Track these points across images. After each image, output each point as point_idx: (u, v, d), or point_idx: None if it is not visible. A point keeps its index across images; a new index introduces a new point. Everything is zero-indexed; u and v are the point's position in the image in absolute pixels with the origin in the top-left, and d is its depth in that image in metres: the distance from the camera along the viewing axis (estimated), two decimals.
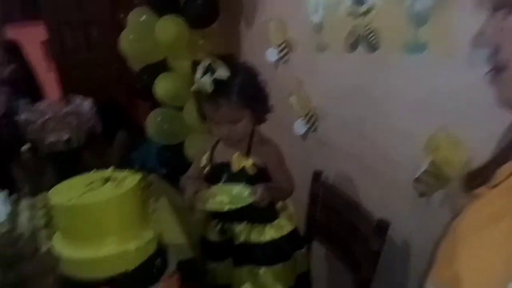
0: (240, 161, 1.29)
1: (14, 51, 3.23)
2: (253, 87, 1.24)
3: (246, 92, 1.20)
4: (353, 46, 1.41)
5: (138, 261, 1.04)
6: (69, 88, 3.11)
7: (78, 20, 3.10)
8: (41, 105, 1.32)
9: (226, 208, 1.21)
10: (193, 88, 1.16)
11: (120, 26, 2.96)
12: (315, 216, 1.63)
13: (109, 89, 2.99)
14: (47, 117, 1.28)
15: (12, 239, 0.53)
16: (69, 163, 1.45)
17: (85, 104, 1.39)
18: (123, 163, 2.51)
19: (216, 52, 1.32)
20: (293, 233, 1.38)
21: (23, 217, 0.61)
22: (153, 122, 2.13)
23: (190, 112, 2.09)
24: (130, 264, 1.03)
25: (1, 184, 1.16)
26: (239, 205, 1.20)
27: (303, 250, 1.44)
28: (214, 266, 1.37)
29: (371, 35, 1.29)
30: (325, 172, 1.65)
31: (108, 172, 1.18)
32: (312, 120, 1.84)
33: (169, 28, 1.94)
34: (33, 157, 1.31)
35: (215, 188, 1.28)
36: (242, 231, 1.33)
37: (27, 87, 3.25)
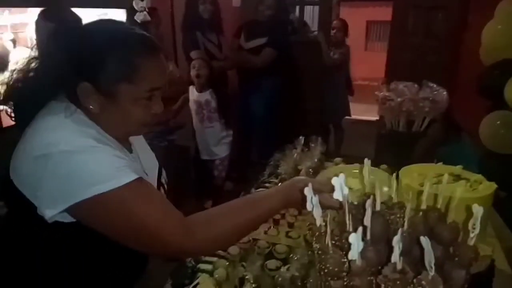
0: None
1: (344, 31, 3.59)
2: None
3: None
4: None
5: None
6: (395, 69, 3.20)
7: (425, 5, 3.06)
8: (399, 86, 1.38)
9: None
10: None
11: (466, 14, 2.75)
12: None
13: (435, 77, 2.88)
14: (405, 97, 1.33)
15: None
16: (402, 145, 1.48)
17: (442, 93, 1.35)
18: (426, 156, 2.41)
19: None
20: None
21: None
22: (488, 124, 1.89)
23: None
24: None
25: None
26: None
27: None
28: None
29: None
30: None
31: (459, 169, 1.12)
32: None
33: None
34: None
35: None
36: None
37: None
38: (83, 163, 0.67)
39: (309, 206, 0.54)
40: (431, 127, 2.69)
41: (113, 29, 0.78)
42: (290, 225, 1.18)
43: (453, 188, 1.00)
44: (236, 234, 0.78)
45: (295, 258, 0.88)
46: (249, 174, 3.09)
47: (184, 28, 2.75)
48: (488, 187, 1.01)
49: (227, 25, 2.98)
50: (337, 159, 1.75)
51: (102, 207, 0.67)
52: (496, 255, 1.18)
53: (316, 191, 0.69)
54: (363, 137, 4.11)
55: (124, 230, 0.70)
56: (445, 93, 1.36)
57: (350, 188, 0.73)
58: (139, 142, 0.94)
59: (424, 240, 0.44)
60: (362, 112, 5.28)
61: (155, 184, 0.90)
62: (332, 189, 0.69)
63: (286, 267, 0.89)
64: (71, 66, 0.73)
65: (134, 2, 2.04)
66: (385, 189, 0.81)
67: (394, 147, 1.48)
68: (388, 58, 3.28)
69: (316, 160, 1.64)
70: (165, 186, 0.97)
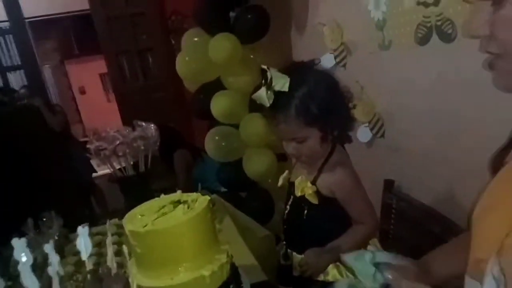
0: (302, 186, 1.13)
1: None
2: (323, 100, 1.01)
3: (309, 108, 1.00)
4: (423, 39, 1.30)
5: (213, 287, 0.99)
6: (128, 115, 3.23)
7: (134, 50, 3.22)
8: (111, 132, 1.35)
9: None
10: (254, 96, 1.02)
11: (173, 51, 3.05)
12: (389, 230, 1.49)
13: (166, 112, 3.08)
14: (117, 142, 1.31)
15: (100, 275, 0.51)
16: (136, 187, 1.47)
17: (150, 128, 1.40)
18: (188, 183, 2.54)
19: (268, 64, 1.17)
20: None
21: (109, 250, 0.59)
22: (211, 141, 2.12)
23: (246, 128, 2.06)
24: None
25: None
26: None
27: None
28: None
29: (445, 24, 1.17)
30: (397, 180, 1.52)
31: (177, 195, 1.16)
32: (378, 126, 1.73)
33: (222, 46, 1.93)
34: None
35: None
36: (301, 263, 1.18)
37: None
38: None
39: None
40: (175, 157, 2.81)
41: None
42: None
43: (174, 216, 1.03)
44: None
45: None
46: None
47: None
48: (202, 202, 1.08)
49: None
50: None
51: None
52: (240, 254, 1.29)
53: None
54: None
55: None
56: (153, 126, 1.42)
57: None
58: None
59: None
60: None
61: None
62: None
63: None
64: None
65: None
66: None
67: (129, 192, 1.45)
68: (118, 106, 3.28)
69: (57, 237, 1.43)
70: None
